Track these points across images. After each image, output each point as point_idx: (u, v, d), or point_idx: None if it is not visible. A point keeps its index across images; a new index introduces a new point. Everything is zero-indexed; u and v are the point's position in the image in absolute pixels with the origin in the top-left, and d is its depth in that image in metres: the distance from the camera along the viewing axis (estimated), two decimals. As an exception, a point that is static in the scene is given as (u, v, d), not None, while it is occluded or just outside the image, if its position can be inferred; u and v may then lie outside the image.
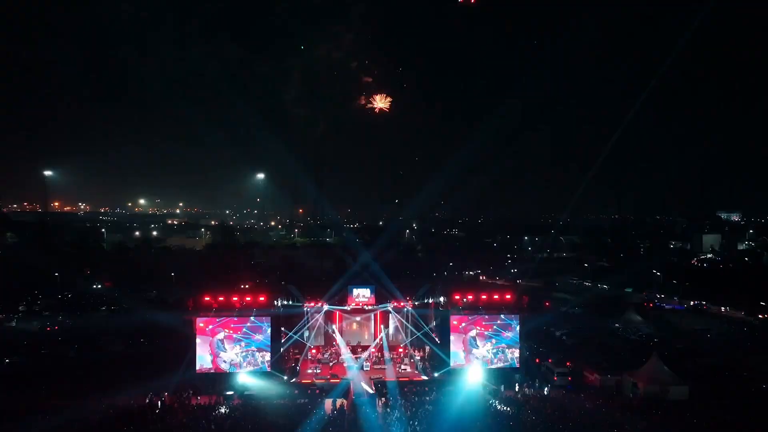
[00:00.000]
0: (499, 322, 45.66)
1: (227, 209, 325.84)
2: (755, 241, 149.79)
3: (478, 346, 45.25)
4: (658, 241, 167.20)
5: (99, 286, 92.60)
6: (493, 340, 45.52)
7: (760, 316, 74.37)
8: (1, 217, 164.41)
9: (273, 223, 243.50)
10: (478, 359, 45.24)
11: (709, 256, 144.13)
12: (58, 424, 35.13)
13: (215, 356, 43.68)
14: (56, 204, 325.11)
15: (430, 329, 49.45)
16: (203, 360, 43.69)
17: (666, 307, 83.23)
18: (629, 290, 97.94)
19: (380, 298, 49.41)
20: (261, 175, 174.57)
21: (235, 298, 44.95)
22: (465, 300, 47.18)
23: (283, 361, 46.59)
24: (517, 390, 42.95)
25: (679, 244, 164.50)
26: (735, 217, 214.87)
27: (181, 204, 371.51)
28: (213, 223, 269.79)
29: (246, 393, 41.47)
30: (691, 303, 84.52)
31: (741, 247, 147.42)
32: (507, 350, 45.57)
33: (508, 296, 47.30)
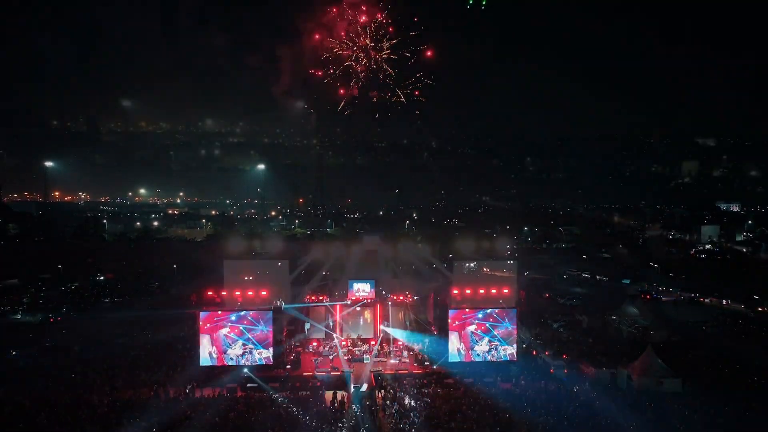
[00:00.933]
0: (496, 316, 46.35)
1: (227, 199, 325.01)
2: (753, 232, 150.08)
3: (475, 339, 45.96)
4: (657, 231, 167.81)
5: (102, 278, 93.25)
6: (490, 334, 46.19)
7: (759, 309, 74.89)
8: (3, 207, 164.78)
9: (273, 213, 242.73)
10: (476, 352, 46.06)
11: (707, 246, 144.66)
12: (65, 417, 36.13)
13: (219, 350, 44.34)
14: (56, 194, 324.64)
15: (428, 323, 50.23)
16: (206, 353, 44.34)
17: (663, 299, 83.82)
18: (627, 281, 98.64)
19: (380, 292, 50.09)
20: (261, 166, 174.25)
21: (237, 293, 45.66)
22: (463, 294, 47.91)
23: (285, 354, 47.34)
24: (513, 383, 43.78)
25: (678, 234, 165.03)
26: (734, 208, 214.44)
27: (181, 194, 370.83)
28: (213, 212, 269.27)
29: (249, 386, 42.30)
30: (691, 295, 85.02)
31: (739, 238, 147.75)
32: (504, 344, 46.24)
33: (505, 290, 47.96)
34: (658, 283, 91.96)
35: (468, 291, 47.80)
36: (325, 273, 51.10)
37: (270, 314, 45.07)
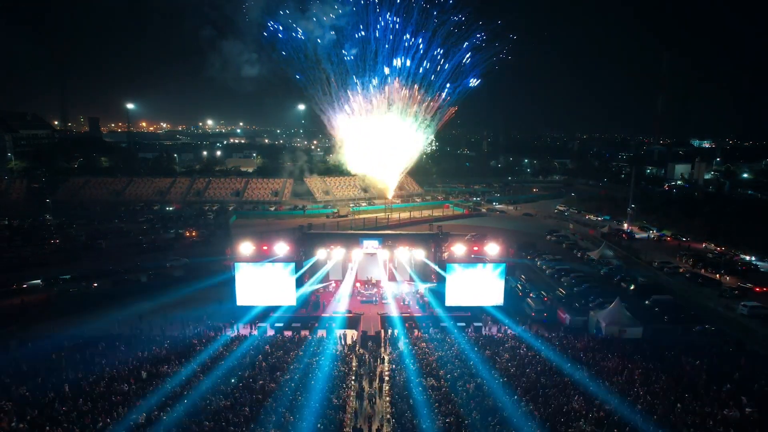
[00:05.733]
0: (488, 267, 43.75)
1: (278, 128, 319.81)
2: (720, 170, 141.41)
3: (469, 287, 43.73)
4: (637, 166, 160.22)
5: (170, 209, 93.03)
6: (483, 283, 43.78)
7: (717, 249, 71.23)
8: (100, 143, 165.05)
9: (315, 143, 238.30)
10: (469, 298, 43.90)
11: (679, 182, 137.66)
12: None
13: (252, 293, 43.20)
14: (144, 124, 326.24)
15: (430, 272, 47.95)
16: (243, 296, 43.27)
17: (636, 236, 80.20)
18: (607, 217, 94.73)
19: (388, 244, 47.40)
20: (302, 106, 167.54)
21: (264, 248, 43.73)
22: (461, 248, 45.13)
23: (308, 296, 45.81)
24: (498, 328, 41.88)
25: (654, 169, 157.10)
26: (706, 144, 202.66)
27: (241, 123, 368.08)
28: (266, 141, 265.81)
29: (276, 325, 41.31)
30: (660, 234, 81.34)
31: (707, 176, 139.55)
32: (494, 291, 43.82)
33: (497, 247, 44.96)
34: (634, 222, 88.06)
35: (464, 247, 44.84)
36: None
37: (293, 264, 43.28)
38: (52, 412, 26.97)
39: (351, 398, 30.21)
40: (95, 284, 50.70)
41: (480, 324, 41.96)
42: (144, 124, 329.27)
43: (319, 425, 26.14)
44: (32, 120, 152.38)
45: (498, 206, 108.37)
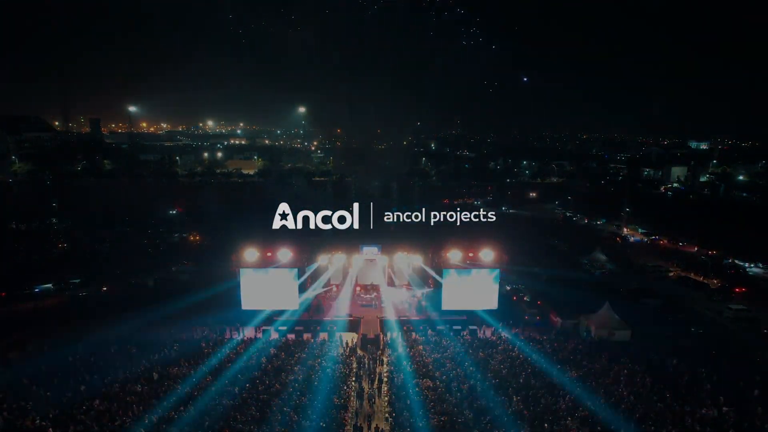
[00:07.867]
0: (482, 272, 45.55)
1: (278, 129, 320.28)
2: (716, 173, 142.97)
3: (464, 291, 45.51)
4: (634, 168, 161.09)
5: (174, 212, 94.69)
6: (477, 287, 45.58)
7: (710, 252, 73.02)
8: (102, 144, 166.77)
9: (315, 144, 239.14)
10: (464, 302, 45.65)
11: (675, 185, 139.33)
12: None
13: (256, 298, 44.91)
14: (144, 124, 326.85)
15: (427, 277, 49.84)
16: (247, 300, 44.92)
17: (630, 240, 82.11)
18: (603, 221, 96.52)
19: (387, 251, 49.25)
20: (302, 109, 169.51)
21: (268, 254, 45.62)
22: (457, 254, 46.96)
23: (310, 300, 47.71)
24: (493, 332, 43.74)
25: (651, 172, 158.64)
26: (704, 146, 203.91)
27: (241, 124, 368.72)
28: (266, 141, 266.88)
29: (280, 328, 43.23)
30: (654, 238, 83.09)
31: (703, 178, 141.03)
32: (488, 295, 45.53)
33: (491, 252, 46.81)
34: (628, 225, 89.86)
35: (459, 253, 46.75)
36: None
37: (296, 270, 45.14)
38: (71, 410, 28.95)
39: (352, 398, 32.19)
40: (104, 288, 52.62)
41: (475, 327, 43.89)
42: (144, 124, 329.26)
43: (322, 424, 28.12)
44: (35, 122, 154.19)
45: (503, 209, 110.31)
